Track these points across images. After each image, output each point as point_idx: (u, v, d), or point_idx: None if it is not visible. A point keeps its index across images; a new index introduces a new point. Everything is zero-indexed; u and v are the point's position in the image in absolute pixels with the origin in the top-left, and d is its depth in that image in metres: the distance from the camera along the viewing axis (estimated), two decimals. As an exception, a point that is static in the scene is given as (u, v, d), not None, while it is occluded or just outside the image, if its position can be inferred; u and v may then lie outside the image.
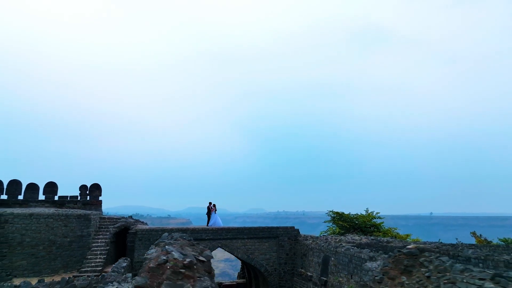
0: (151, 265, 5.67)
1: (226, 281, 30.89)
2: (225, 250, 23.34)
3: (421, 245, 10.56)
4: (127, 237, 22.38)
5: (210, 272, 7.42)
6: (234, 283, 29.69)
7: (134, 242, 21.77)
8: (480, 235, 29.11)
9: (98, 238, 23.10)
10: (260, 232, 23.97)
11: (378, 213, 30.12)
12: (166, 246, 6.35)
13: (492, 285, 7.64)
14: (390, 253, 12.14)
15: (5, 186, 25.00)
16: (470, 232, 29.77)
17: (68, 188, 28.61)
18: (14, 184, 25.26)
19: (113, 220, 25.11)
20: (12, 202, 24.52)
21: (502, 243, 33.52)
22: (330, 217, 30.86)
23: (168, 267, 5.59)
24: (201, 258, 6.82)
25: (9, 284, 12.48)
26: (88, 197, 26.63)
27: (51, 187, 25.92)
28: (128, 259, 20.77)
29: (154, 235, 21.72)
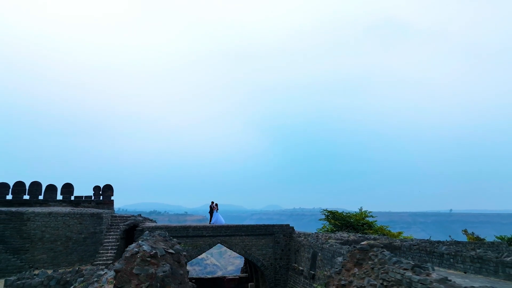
0: (127, 255, 7.59)
1: (229, 275, 32.89)
2: (224, 246, 25.30)
3: (371, 242, 12.20)
4: (135, 234, 24.59)
5: (179, 262, 9.36)
6: (237, 277, 31.69)
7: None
8: (473, 233, 30.18)
9: (110, 235, 25.45)
10: (257, 229, 25.82)
11: (370, 212, 31.56)
12: (140, 241, 8.29)
13: (410, 273, 9.29)
14: (348, 248, 13.81)
15: (27, 187, 27.68)
16: (462, 230, 30.87)
17: (83, 188, 31.15)
18: (35, 185, 27.88)
19: (123, 218, 27.43)
20: (33, 201, 27.15)
21: (499, 240, 34.45)
22: (324, 215, 32.51)
23: (138, 256, 7.50)
24: (170, 250, 8.75)
25: (29, 272, 14.76)
26: (101, 197, 29.06)
27: (67, 188, 28.46)
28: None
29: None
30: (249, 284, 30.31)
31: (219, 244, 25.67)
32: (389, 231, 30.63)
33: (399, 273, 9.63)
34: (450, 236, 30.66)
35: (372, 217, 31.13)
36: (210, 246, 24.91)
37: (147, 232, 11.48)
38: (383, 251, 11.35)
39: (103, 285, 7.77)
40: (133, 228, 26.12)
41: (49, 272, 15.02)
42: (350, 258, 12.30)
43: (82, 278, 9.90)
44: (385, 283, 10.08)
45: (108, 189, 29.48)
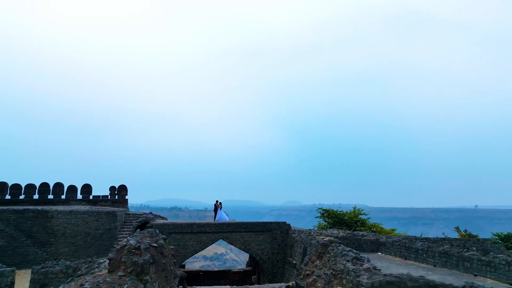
0: (118, 247, 9.96)
1: (234, 268, 35.34)
2: (226, 241, 27.68)
3: (332, 238, 14.24)
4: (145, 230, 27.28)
5: (162, 253, 11.73)
6: (242, 270, 34.10)
7: (150, 234, 26.61)
8: (465, 230, 31.46)
9: (123, 231, 28.23)
10: (256, 226, 28.05)
11: (362, 210, 33.30)
12: (128, 237, 10.67)
13: (349, 264, 11.33)
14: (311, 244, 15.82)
15: (51, 188, 30.90)
16: (454, 227, 32.16)
17: (101, 188, 34.11)
18: (58, 186, 31.07)
19: (136, 215, 30.21)
20: (56, 201, 30.34)
21: (496, 237, 35.55)
22: (319, 213, 34.47)
23: (126, 248, 9.84)
24: (153, 244, 11.10)
25: (51, 262, 17.51)
26: (116, 196, 31.99)
27: (86, 188, 31.53)
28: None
29: (166, 228, 26.43)
30: (253, 277, 32.64)
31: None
32: (381, 228, 32.30)
33: (342, 264, 11.69)
34: (443, 233, 32.06)
35: (365, 214, 32.89)
36: (213, 242, 27.37)
37: (138, 230, 13.93)
38: (339, 245, 13.39)
39: (101, 270, 10.17)
40: (144, 224, 28.87)
41: (67, 263, 17.72)
42: (315, 252, 14.40)
43: (87, 265, 12.40)
44: (334, 272, 12.15)
45: (123, 189, 32.38)
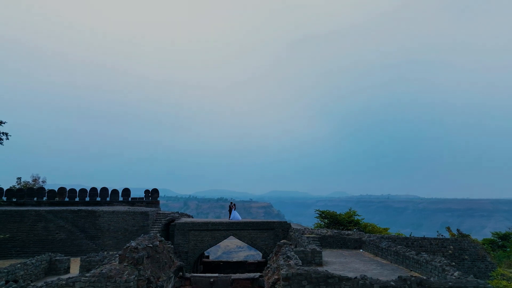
0: (124, 247, 15.51)
1: (250, 260, 40.67)
2: (235, 237, 33.02)
3: (285, 240, 18.92)
4: (170, 228, 33.37)
5: (157, 251, 17.22)
6: (256, 261, 39.35)
7: (174, 231, 32.60)
8: (458, 230, 34.08)
9: (154, 228, 34.55)
10: (261, 225, 33.09)
11: (355, 211, 37.00)
12: (131, 241, 16.19)
13: (282, 261, 16.04)
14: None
15: (98, 192, 38.10)
16: (446, 227, 34.81)
17: (139, 190, 40.95)
18: (104, 190, 38.22)
19: (165, 214, 36.48)
20: (102, 202, 37.49)
21: (495, 236, 37.66)
22: (317, 214, 38.62)
23: (128, 248, 15.35)
24: (149, 245, 16.54)
25: (94, 253, 23.88)
26: (150, 198, 38.57)
27: (126, 192, 38.43)
28: (170, 242, 31.66)
29: (187, 226, 32.31)
30: (265, 267, 37.85)
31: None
32: (373, 227, 35.82)
33: (279, 260, 16.46)
34: (438, 232, 34.96)
35: (358, 215, 36.59)
36: (225, 238, 32.87)
37: (142, 234, 19.54)
38: (287, 246, 18.10)
39: (116, 261, 15.86)
40: (170, 222, 35.02)
41: (104, 253, 24.04)
42: (274, 250, 19.21)
43: (108, 257, 18.21)
44: (277, 266, 16.95)
45: (155, 192, 38.89)
